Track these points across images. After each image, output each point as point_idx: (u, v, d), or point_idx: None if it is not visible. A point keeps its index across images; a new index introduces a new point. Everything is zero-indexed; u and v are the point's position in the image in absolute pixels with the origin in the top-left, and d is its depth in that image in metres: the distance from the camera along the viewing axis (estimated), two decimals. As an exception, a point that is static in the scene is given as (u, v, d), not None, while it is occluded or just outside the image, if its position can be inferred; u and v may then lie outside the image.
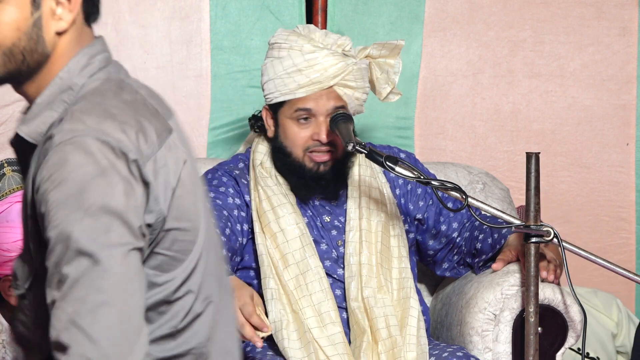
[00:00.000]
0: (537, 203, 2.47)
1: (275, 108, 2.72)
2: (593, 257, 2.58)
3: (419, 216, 2.81)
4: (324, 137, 2.66)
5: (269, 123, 2.76)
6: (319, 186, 2.70)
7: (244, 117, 3.37)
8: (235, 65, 3.37)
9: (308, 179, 2.69)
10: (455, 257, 2.81)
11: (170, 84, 3.37)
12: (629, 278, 2.57)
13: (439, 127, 3.51)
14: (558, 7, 3.54)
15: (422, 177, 2.45)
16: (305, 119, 2.67)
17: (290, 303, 2.59)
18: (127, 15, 3.36)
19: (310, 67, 2.66)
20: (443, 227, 2.80)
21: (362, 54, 2.74)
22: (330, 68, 2.65)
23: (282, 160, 2.72)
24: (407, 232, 2.80)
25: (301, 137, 2.67)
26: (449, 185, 2.47)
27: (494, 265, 2.69)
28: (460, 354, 2.57)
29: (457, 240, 2.79)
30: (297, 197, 2.73)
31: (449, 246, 2.80)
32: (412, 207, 2.81)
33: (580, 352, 3.18)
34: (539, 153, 2.49)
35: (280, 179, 2.74)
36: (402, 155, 2.86)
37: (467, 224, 2.80)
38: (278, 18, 3.37)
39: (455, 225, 2.80)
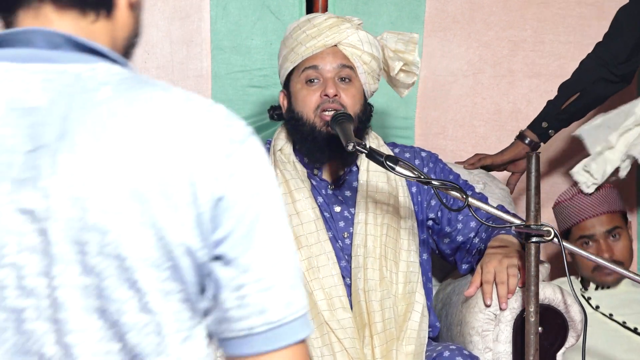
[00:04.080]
0: (538, 203, 2.47)
1: (287, 86, 2.76)
2: (593, 257, 2.58)
3: (431, 215, 2.80)
4: (331, 91, 2.66)
5: (284, 104, 2.79)
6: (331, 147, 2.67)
7: (244, 117, 3.36)
8: (236, 65, 3.37)
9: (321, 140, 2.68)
10: (474, 260, 2.78)
11: (171, 84, 3.37)
12: (631, 278, 2.57)
13: (439, 127, 3.51)
14: (558, 6, 3.54)
15: (422, 177, 2.45)
16: (312, 81, 2.69)
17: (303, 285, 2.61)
18: (127, 15, 3.36)
19: (310, 28, 2.71)
20: (459, 226, 2.78)
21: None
22: (326, 22, 2.71)
23: (296, 128, 2.72)
24: (420, 233, 2.79)
25: (311, 100, 2.68)
26: (449, 185, 2.47)
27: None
28: (453, 347, 2.58)
29: (475, 242, 2.77)
30: (313, 165, 2.74)
31: (466, 246, 2.78)
32: (425, 206, 2.80)
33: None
34: (540, 153, 2.50)
35: (298, 166, 2.76)
36: (424, 155, 2.86)
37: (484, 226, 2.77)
38: (278, 18, 3.37)
39: (472, 224, 2.77)
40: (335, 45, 2.71)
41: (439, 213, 2.80)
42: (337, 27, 2.70)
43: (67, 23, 1.24)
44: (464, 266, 2.81)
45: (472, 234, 2.77)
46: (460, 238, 2.78)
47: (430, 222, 2.81)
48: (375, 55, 2.74)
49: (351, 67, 2.70)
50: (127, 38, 1.34)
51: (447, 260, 2.86)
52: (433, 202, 2.80)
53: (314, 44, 2.70)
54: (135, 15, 1.35)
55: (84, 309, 1.14)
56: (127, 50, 1.34)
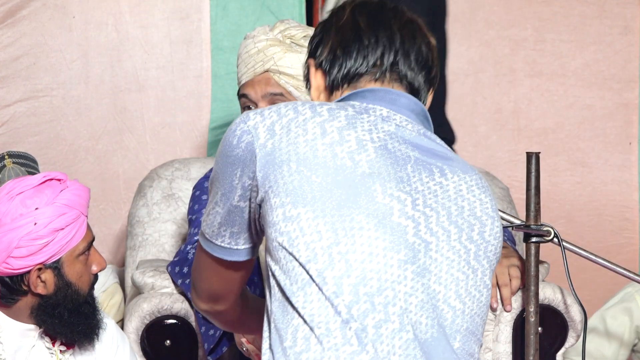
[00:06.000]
0: (538, 203, 2.46)
1: None
2: (594, 257, 2.57)
3: None
4: None
5: None
6: None
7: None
8: (236, 65, 3.37)
9: None
10: None
11: (171, 84, 3.37)
12: (631, 279, 2.56)
13: (440, 127, 3.51)
14: (559, 5, 3.53)
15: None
16: (249, 108, 2.54)
17: None
18: (127, 16, 3.36)
19: (243, 53, 2.57)
20: None
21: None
22: (256, 47, 2.54)
23: None
24: None
25: None
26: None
27: None
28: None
29: None
30: None
31: None
32: None
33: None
34: (539, 153, 2.49)
35: None
36: None
37: None
38: (278, 18, 3.37)
39: None
40: (267, 71, 2.51)
41: None
42: (263, 54, 2.52)
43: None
44: None
45: None
46: None
47: None
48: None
49: (282, 94, 2.51)
50: None
51: None
52: None
53: (244, 71, 2.55)
54: None
55: (457, 263, 1.66)
56: None
